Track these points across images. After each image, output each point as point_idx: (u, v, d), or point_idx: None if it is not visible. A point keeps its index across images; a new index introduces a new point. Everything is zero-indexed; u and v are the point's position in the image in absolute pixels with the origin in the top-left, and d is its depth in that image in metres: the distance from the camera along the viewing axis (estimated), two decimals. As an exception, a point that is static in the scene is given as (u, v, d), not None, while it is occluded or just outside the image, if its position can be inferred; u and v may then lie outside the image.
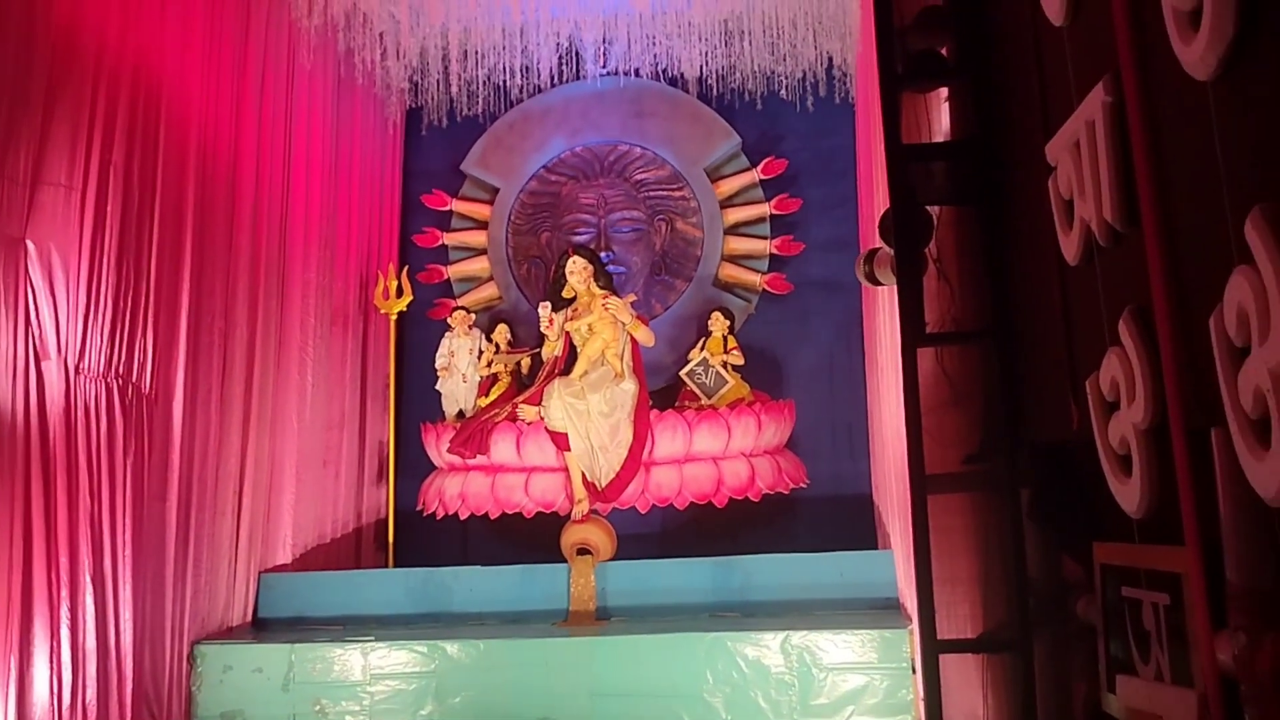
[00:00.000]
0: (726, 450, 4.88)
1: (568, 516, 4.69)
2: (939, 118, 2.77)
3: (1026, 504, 2.45)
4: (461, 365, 5.45)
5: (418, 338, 5.98)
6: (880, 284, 3.26)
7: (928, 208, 2.64)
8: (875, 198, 4.79)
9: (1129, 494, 1.75)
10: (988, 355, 2.53)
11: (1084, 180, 1.84)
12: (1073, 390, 2.02)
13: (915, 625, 2.62)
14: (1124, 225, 1.73)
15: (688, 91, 6.06)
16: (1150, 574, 1.81)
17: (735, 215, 6.05)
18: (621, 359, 4.85)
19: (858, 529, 5.35)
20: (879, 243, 3.06)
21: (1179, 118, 1.55)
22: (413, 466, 5.59)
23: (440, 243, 6.22)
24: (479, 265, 6.21)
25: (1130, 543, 1.83)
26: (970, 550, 2.75)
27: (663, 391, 5.56)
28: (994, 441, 2.53)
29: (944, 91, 2.73)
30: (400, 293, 5.61)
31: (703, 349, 5.40)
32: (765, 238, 5.97)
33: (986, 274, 2.53)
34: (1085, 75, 1.85)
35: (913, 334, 2.49)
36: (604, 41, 5.93)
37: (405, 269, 5.72)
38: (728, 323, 5.48)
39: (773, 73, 5.81)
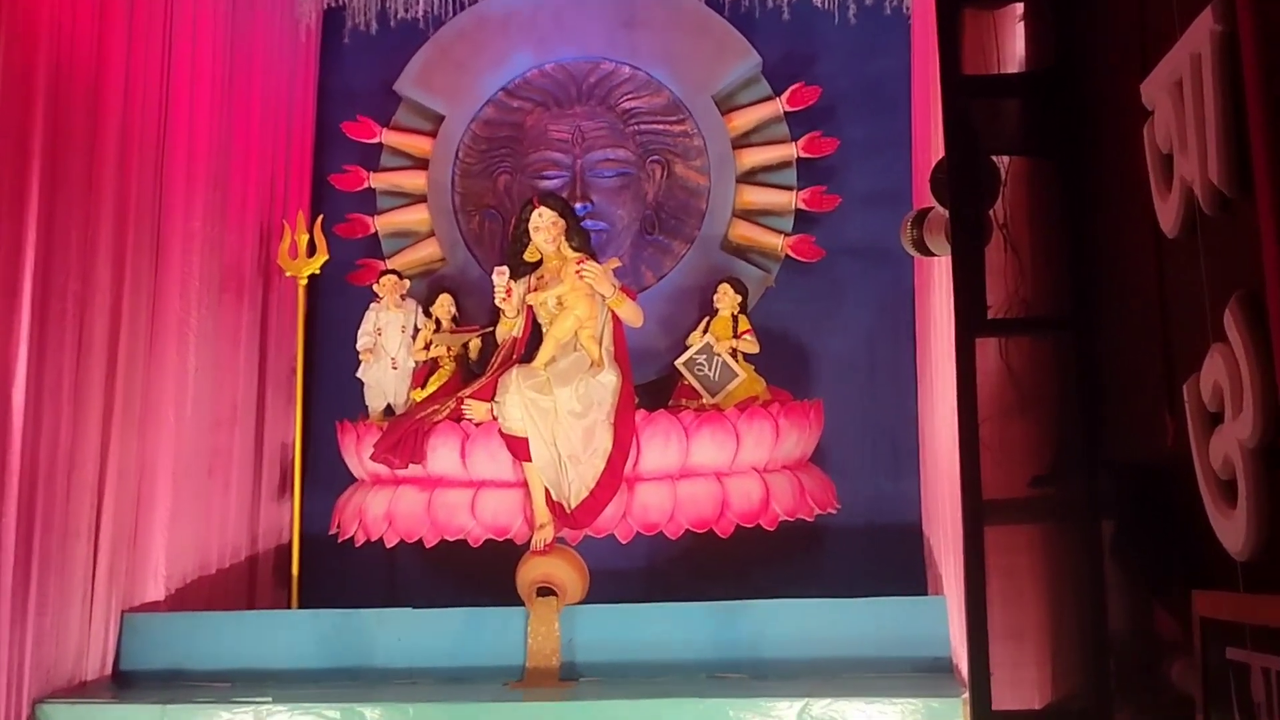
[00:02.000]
0: (734, 463, 4.94)
1: (526, 546, 4.75)
2: (1011, 43, 2.80)
3: (1109, 539, 2.51)
4: (391, 347, 5.48)
5: (334, 310, 6.01)
6: (932, 254, 3.30)
7: (994, 158, 2.68)
8: (933, 139, 4.82)
9: (1233, 529, 1.81)
10: (1064, 349, 2.58)
11: (1186, 131, 1.89)
12: (1169, 397, 2.08)
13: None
14: (1233, 190, 1.77)
15: (692, -6, 6.11)
16: (1259, 631, 1.86)
17: (752, 158, 6.09)
18: (600, 343, 4.89)
19: (901, 568, 5.42)
20: (932, 201, 3.11)
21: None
22: (325, 477, 5.62)
23: (366, 185, 6.24)
24: (416, 216, 6.23)
25: (1236, 591, 1.89)
26: (1038, 597, 2.81)
27: (653, 386, 5.61)
28: (1070, 459, 2.58)
29: (1018, 9, 2.77)
30: (312, 250, 5.64)
31: (706, 332, 5.44)
32: (790, 188, 6.01)
33: (1066, 245, 2.57)
34: (1190, -4, 1.90)
35: (970, 320, 2.54)
36: (584, -75, 6.00)
37: (319, 219, 5.74)
38: (739, 298, 5.52)
39: (804, -29, 5.89)
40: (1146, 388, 2.25)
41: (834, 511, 5.30)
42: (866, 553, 5.62)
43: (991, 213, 2.66)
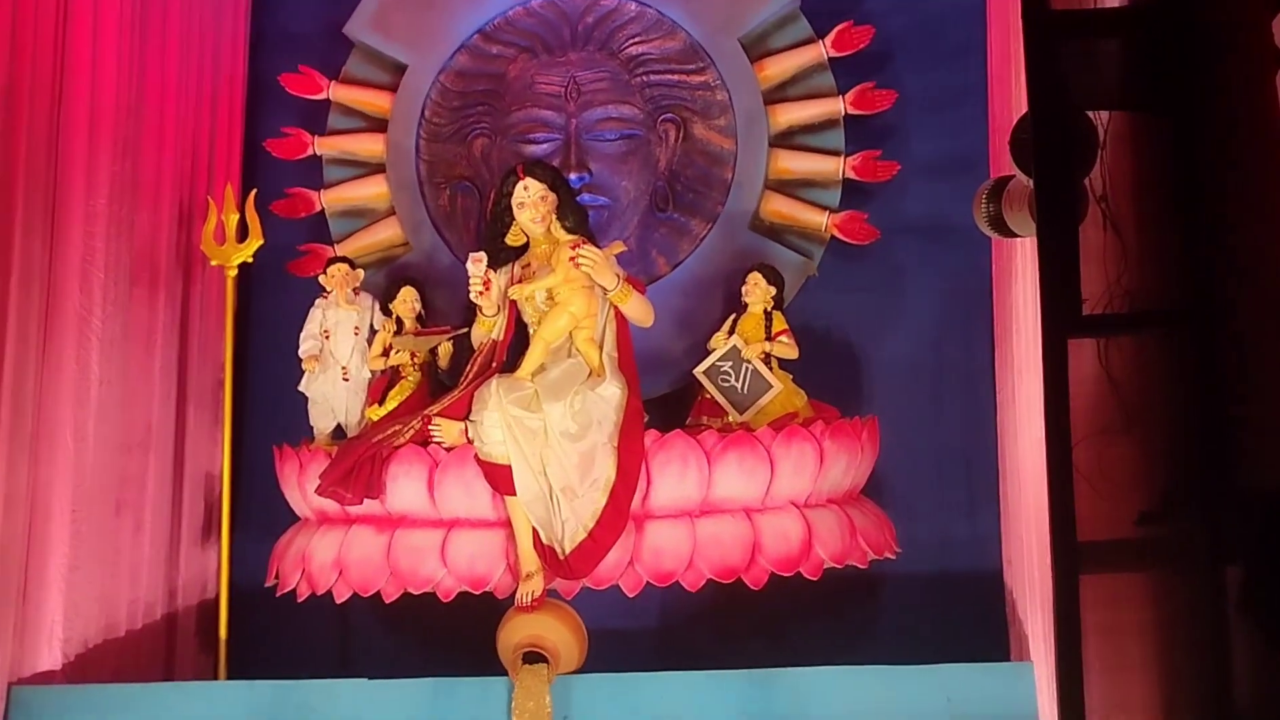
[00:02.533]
0: (768, 497, 4.92)
1: (509, 601, 4.73)
2: (1112, -32, 2.82)
3: (1237, 589, 2.50)
4: (341, 353, 5.48)
5: (271, 307, 6.02)
6: (1013, 234, 3.30)
7: (1090, 114, 2.68)
8: (1014, 92, 4.81)
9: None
10: (1180, 351, 2.58)
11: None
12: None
13: (1060, 782, 2.66)
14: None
15: (714, -88, 6.12)
16: None
17: (789, 115, 6.08)
18: (600, 347, 4.89)
19: (978, 627, 5.41)
20: (1012, 168, 3.10)
21: None
22: (261, 516, 5.62)
23: (310, 152, 6.25)
24: (372, 190, 6.25)
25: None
26: (1148, 662, 2.80)
27: (668, 401, 5.61)
28: (1188, 489, 2.57)
29: (1120, -74, 2.78)
30: (244, 233, 5.64)
31: (732, 333, 5.44)
32: (837, 153, 6.00)
33: (1181, 221, 2.57)
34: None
35: (1061, 316, 2.53)
36: None
37: (253, 195, 5.74)
38: (773, 291, 5.50)
39: (853, -117, 5.93)
40: (1283, 400, 2.24)
41: (893, 556, 5.27)
42: (934, 608, 5.61)
43: (1087, 182, 2.66)
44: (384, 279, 5.94)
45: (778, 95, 6.10)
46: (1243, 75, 2.30)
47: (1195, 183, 2.60)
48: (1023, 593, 5.10)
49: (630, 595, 4.79)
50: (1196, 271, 2.58)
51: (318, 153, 6.27)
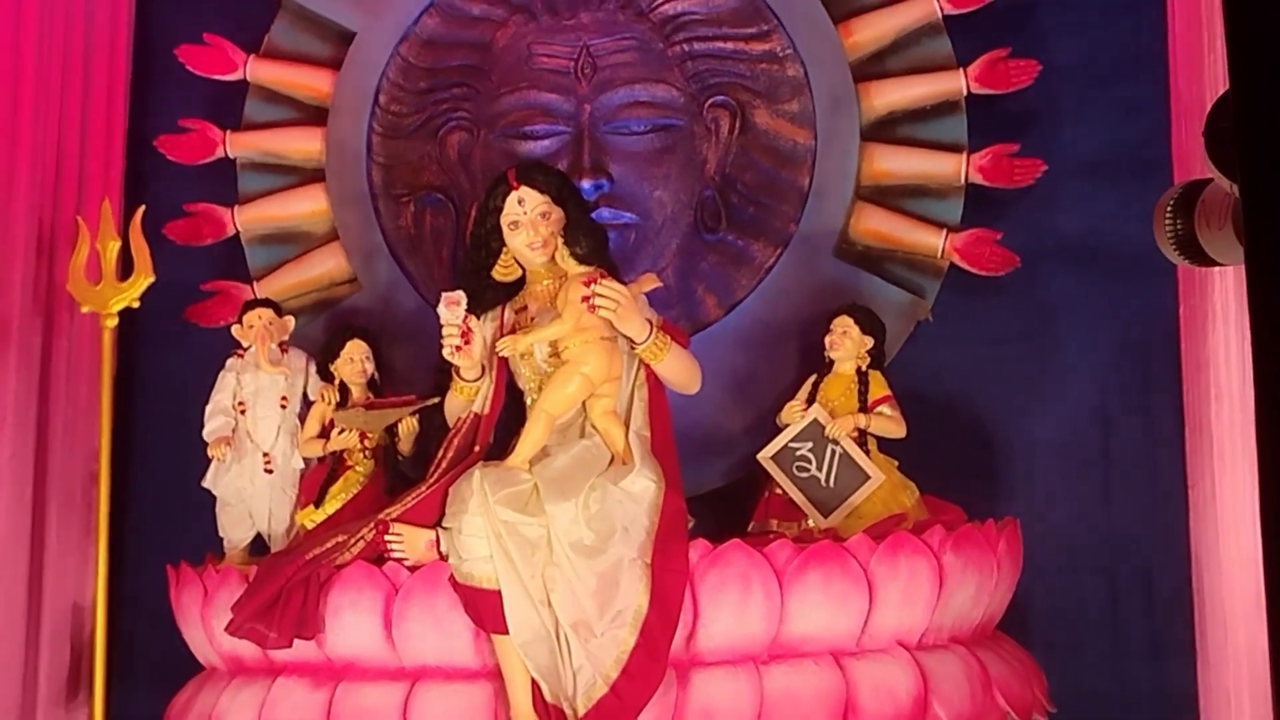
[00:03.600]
0: (865, 635, 4.89)
1: (500, 786, 4.72)
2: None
3: None
4: (263, 435, 5.51)
5: (164, 370, 6.08)
6: (1211, 261, 3.28)
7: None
8: (1207, 61, 4.81)
9: None
10: None
11: None
12: None
13: None
14: None
15: None
16: None
17: (889, 96, 6.14)
18: (627, 424, 4.90)
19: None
20: (1207, 169, 3.10)
21: None
22: (148, 663, 5.63)
23: (219, 154, 6.32)
24: (305, 206, 6.32)
25: None
26: None
27: (723, 498, 5.61)
28: None
29: None
30: (127, 269, 5.67)
31: (813, 402, 5.45)
32: (958, 148, 6.03)
33: None
34: None
35: (1281, 374, 2.52)
36: None
37: (139, 214, 5.78)
38: (869, 342, 5.52)
39: None
40: None
41: (1044, 719, 5.23)
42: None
43: (1316, 186, 2.64)
44: (323, 329, 6.00)
45: (873, 69, 6.16)
46: None
47: None
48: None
49: (670, 778, 4.76)
50: None
51: (230, 154, 6.34)
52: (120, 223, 5.77)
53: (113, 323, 5.65)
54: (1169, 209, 3.29)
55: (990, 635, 5.32)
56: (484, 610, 4.63)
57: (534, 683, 4.63)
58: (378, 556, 4.81)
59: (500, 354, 4.98)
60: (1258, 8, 2.62)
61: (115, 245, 5.68)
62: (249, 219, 6.30)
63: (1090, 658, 5.75)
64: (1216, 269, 3.86)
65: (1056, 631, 5.72)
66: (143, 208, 5.80)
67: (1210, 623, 5.34)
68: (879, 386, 5.47)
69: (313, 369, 5.65)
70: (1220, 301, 4.68)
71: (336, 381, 5.55)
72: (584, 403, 4.90)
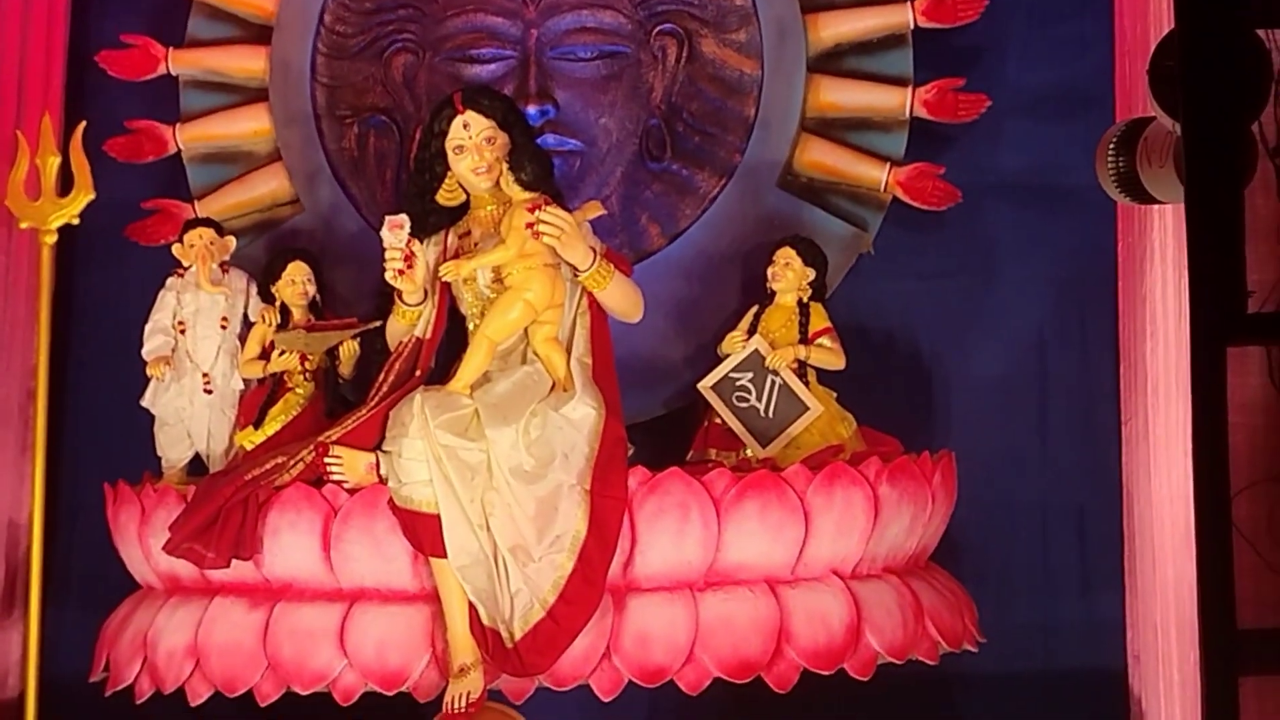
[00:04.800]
0: (800, 563, 4.95)
1: (436, 705, 4.75)
2: None
3: None
4: (203, 355, 5.49)
5: (103, 288, 6.06)
6: (1151, 199, 3.32)
7: (1260, 32, 2.70)
8: (1152, 6, 4.83)
9: None
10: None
11: None
12: None
13: None
14: None
15: None
16: None
17: (836, 27, 6.12)
18: (568, 350, 4.93)
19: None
20: (1150, 108, 3.13)
21: None
22: (84, 581, 5.65)
23: (161, 71, 6.27)
24: (248, 126, 6.28)
25: None
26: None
27: (662, 427, 5.66)
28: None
29: None
30: (67, 185, 5.63)
31: (754, 333, 5.48)
32: (904, 81, 6.04)
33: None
34: None
35: (1216, 314, 2.55)
36: None
37: (80, 129, 5.74)
38: (811, 274, 5.54)
39: None
40: None
41: (974, 649, 5.30)
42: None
43: (1255, 128, 2.68)
44: (264, 250, 5.97)
45: (819, 0, 6.13)
46: None
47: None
48: (1156, 700, 5.14)
49: (605, 699, 4.81)
50: None
51: (172, 71, 6.28)
52: (60, 138, 5.72)
53: (52, 239, 5.61)
54: (1111, 146, 3.33)
55: (923, 566, 5.39)
56: (423, 533, 4.65)
57: (471, 606, 4.67)
58: (317, 478, 4.82)
59: (443, 279, 5.00)
60: (1203, -51, 2.65)
61: (55, 161, 5.63)
62: (191, 137, 6.25)
63: (1021, 589, 5.83)
64: (1155, 207, 3.89)
65: (989, 563, 5.79)
66: (83, 124, 5.75)
67: (1140, 556, 5.44)
68: (820, 318, 5.49)
69: (254, 290, 5.62)
70: (1159, 239, 4.71)
71: (277, 303, 5.53)
72: (526, 329, 4.92)
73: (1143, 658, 5.42)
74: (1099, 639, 5.74)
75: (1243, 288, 2.63)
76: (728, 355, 5.43)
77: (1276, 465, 2.69)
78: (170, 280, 5.58)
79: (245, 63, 6.28)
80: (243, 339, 5.50)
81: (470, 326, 5.01)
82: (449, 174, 5.07)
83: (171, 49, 6.24)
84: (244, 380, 5.47)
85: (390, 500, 4.71)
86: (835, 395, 5.44)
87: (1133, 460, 5.56)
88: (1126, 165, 3.27)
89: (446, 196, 5.10)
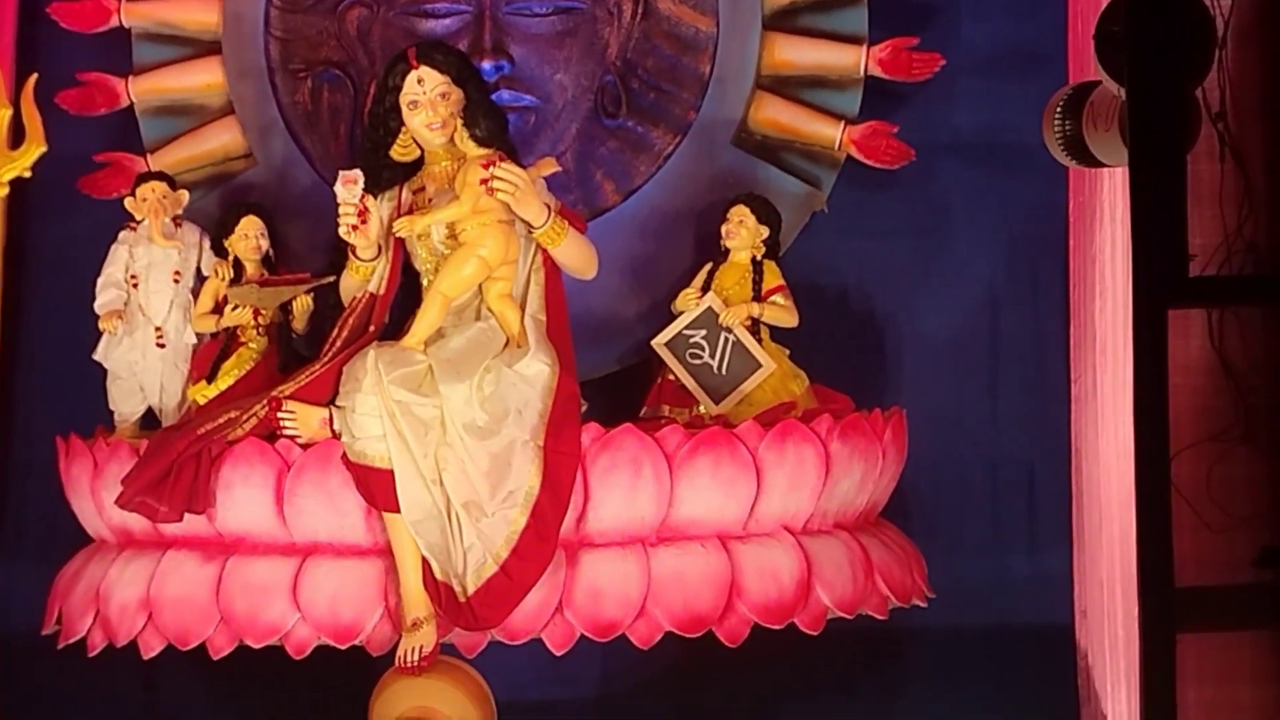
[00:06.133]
0: (752, 519, 4.98)
1: (389, 659, 4.78)
2: None
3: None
4: (156, 308, 5.47)
5: (54, 241, 6.06)
6: (1098, 162, 3.35)
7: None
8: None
9: None
10: (1321, 331, 2.65)
11: None
12: None
13: None
14: None
15: None
16: None
17: (789, -16, 6.15)
18: (522, 307, 4.95)
19: (1040, 700, 5.54)
20: (1098, 71, 3.16)
21: None
22: (35, 534, 5.66)
23: (113, 23, 6.19)
24: (201, 78, 6.22)
25: None
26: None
27: (616, 383, 5.69)
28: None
29: None
30: (18, 137, 5.61)
31: (707, 290, 5.49)
32: (858, 40, 6.02)
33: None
34: None
35: (1158, 278, 2.59)
36: None
37: (31, 81, 5.69)
38: (765, 232, 5.55)
39: None
40: None
41: (923, 604, 5.35)
42: (980, 674, 5.70)
43: (1199, 94, 2.71)
44: (217, 204, 5.94)
45: (773, -42, 6.15)
46: None
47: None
48: (1101, 655, 5.21)
49: (557, 653, 4.84)
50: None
51: (124, 23, 6.20)
52: (11, 91, 5.67)
53: (3, 192, 5.57)
54: (1058, 110, 3.36)
55: (874, 522, 5.43)
56: (376, 488, 4.68)
57: (424, 561, 4.70)
58: (270, 433, 4.83)
59: (397, 234, 5.00)
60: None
61: (6, 114, 5.60)
62: (143, 90, 6.20)
63: (970, 545, 5.87)
64: (1104, 169, 3.93)
65: (938, 520, 5.84)
66: (35, 76, 5.68)
67: (1087, 513, 5.50)
68: (773, 276, 5.50)
69: (206, 244, 5.60)
70: (1109, 200, 4.75)
71: (231, 257, 5.51)
72: (480, 285, 4.93)
73: (1089, 613, 5.48)
74: (1047, 594, 5.78)
75: (1185, 252, 2.67)
76: (681, 312, 5.44)
77: (1216, 426, 2.74)
78: (122, 234, 5.56)
79: (198, 15, 6.22)
80: (195, 293, 5.48)
81: (424, 282, 5.02)
82: (403, 129, 5.06)
83: (124, 1, 6.22)
84: (197, 335, 5.45)
85: (344, 455, 4.72)
86: (788, 353, 5.46)
87: (1081, 418, 5.61)
88: (1073, 129, 3.31)
89: (400, 152, 5.10)
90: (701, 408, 5.34)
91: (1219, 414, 2.76)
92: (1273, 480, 2.77)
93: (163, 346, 5.45)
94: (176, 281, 5.50)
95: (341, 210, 4.89)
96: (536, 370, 4.79)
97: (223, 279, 5.44)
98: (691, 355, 5.34)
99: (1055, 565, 5.78)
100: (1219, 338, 2.76)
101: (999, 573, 5.87)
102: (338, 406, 4.75)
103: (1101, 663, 5.16)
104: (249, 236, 5.53)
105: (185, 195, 5.66)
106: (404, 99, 5.02)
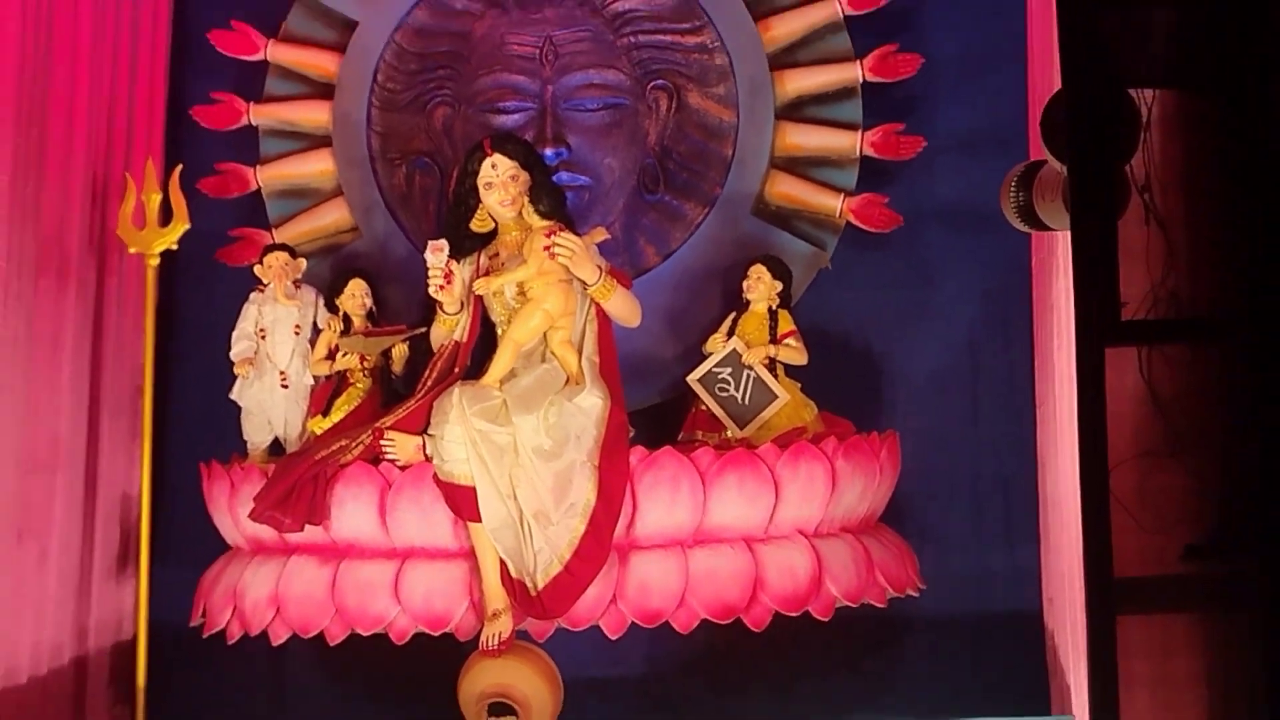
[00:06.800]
0: (771, 525, 4.99)
1: (473, 644, 4.80)
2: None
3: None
4: (280, 356, 5.54)
5: (198, 301, 6.07)
6: (1044, 226, 3.37)
7: (1133, 92, 2.75)
8: (1055, 60, 4.86)
9: None
10: (1232, 364, 2.65)
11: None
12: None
13: None
14: None
15: None
16: None
17: (798, 82, 6.13)
18: (579, 351, 4.98)
19: (1015, 675, 5.50)
20: (1043, 152, 3.18)
21: None
22: (185, 543, 5.67)
23: (244, 122, 6.29)
24: (316, 167, 6.30)
25: None
26: (1201, 715, 2.87)
27: (657, 413, 5.68)
28: (1241, 522, 2.65)
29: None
30: (167, 216, 5.69)
31: (732, 335, 5.51)
32: (854, 126, 6.05)
33: (1232, 217, 2.64)
34: None
35: (1096, 321, 2.60)
36: None
37: (177, 171, 5.79)
38: (779, 286, 5.58)
39: None
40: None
41: (915, 594, 5.35)
42: (963, 653, 5.68)
43: (1128, 169, 2.72)
44: (329, 270, 6.00)
45: (785, 59, 6.15)
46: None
47: (1253, 172, 2.67)
48: (1065, 636, 5.18)
49: (612, 638, 4.86)
50: (1253, 273, 2.65)
51: (253, 122, 6.30)
52: (161, 178, 5.76)
53: (155, 262, 5.68)
54: (1013, 184, 3.38)
55: (873, 526, 5.43)
56: (461, 502, 4.71)
57: (501, 562, 4.73)
58: (374, 457, 4.88)
59: (476, 292, 5.06)
60: (1084, 26, 2.70)
61: (157, 197, 5.70)
62: (268, 177, 6.28)
63: (954, 544, 5.85)
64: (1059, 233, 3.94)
65: (927, 523, 5.82)
66: (180, 166, 5.81)
67: (1051, 516, 5.49)
68: (786, 323, 5.53)
69: (321, 302, 5.67)
70: (1064, 257, 4.73)
71: (341, 313, 5.57)
72: (545, 333, 4.97)
73: (1054, 600, 5.46)
74: (1019, 585, 5.76)
75: (1118, 300, 2.68)
76: (711, 354, 5.47)
77: (1147, 444, 2.74)
78: (253, 295, 5.63)
79: (312, 115, 6.30)
80: (312, 343, 5.56)
81: (499, 331, 5.07)
82: (480, 206, 5.12)
83: (252, 104, 6.27)
84: (314, 377, 5.51)
85: (434, 475, 4.76)
86: (799, 386, 5.47)
87: (1045, 437, 5.60)
88: (1025, 199, 3.33)
89: (478, 224, 5.16)
90: (729, 432, 5.35)
91: (1149, 434, 2.76)
92: (1194, 489, 2.78)
93: (286, 387, 5.52)
94: (297, 333, 5.56)
95: (431, 273, 4.95)
96: (591, 403, 4.83)
97: (335, 331, 5.49)
98: (719, 389, 5.36)
99: (1025, 560, 5.75)
100: (1148, 371, 2.76)
101: (978, 567, 5.84)
102: (429, 435, 4.78)
103: (1065, 643, 5.14)
104: (356, 296, 5.59)
105: (303, 262, 5.73)
106: (481, 181, 5.08)
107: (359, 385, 5.44)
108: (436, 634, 4.85)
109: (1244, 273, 2.72)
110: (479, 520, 4.71)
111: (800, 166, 6.12)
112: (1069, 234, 3.02)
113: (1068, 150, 2.72)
